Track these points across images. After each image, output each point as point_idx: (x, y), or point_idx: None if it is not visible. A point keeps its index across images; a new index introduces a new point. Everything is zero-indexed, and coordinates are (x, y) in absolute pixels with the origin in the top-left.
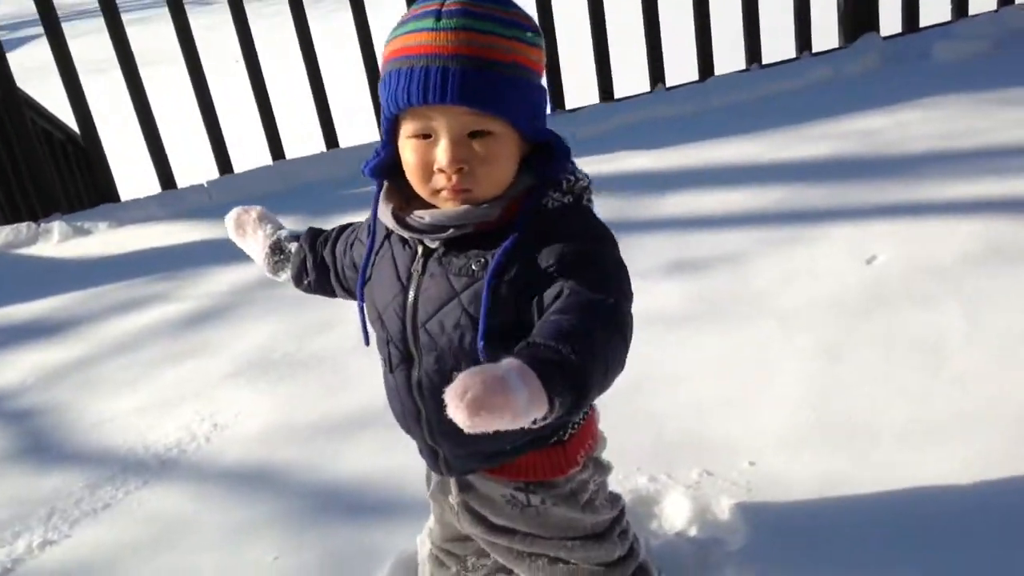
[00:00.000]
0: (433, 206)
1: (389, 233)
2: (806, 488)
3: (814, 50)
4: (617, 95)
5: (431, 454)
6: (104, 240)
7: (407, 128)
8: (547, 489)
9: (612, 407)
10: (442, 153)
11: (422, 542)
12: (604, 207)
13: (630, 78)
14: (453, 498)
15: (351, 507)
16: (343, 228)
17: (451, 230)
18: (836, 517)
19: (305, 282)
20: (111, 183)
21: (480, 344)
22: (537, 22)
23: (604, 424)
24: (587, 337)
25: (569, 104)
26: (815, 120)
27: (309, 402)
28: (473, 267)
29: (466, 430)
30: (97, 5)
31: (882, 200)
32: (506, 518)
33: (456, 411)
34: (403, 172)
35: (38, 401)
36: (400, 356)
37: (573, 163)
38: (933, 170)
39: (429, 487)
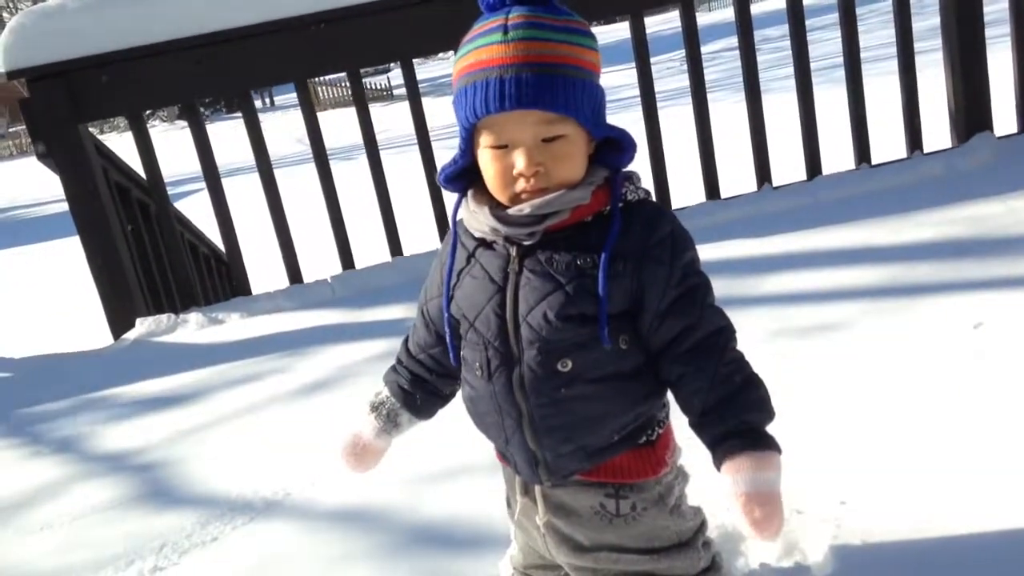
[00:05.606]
0: None
1: (474, 249)
2: (898, 528)
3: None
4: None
5: (530, 460)
6: (235, 328)
7: (485, 139)
8: (638, 492)
9: (703, 447)
10: (520, 159)
11: (504, 567)
12: None
13: (737, 180)
14: (540, 518)
15: (441, 540)
16: (406, 339)
17: (550, 218)
18: (928, 557)
19: (418, 402)
20: (247, 285)
21: (604, 333)
22: (644, 126)
23: (696, 463)
24: (745, 381)
25: (676, 204)
26: (924, 209)
27: (405, 450)
28: (579, 263)
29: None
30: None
31: (990, 274)
32: (594, 532)
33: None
34: (475, 182)
35: (159, 455)
36: (500, 357)
37: None
38: None
39: (513, 514)
